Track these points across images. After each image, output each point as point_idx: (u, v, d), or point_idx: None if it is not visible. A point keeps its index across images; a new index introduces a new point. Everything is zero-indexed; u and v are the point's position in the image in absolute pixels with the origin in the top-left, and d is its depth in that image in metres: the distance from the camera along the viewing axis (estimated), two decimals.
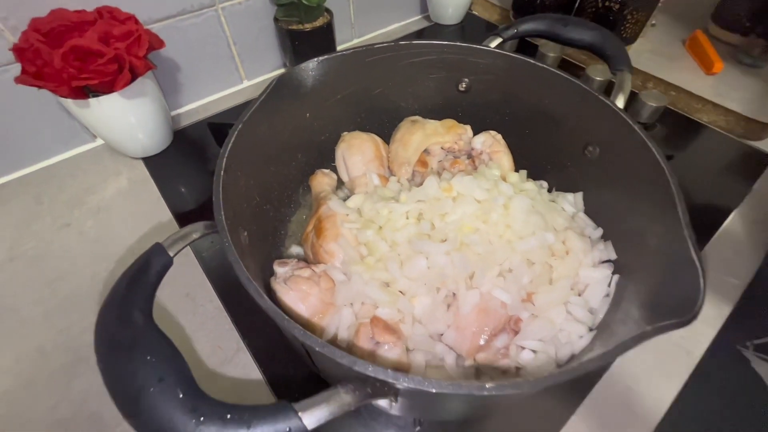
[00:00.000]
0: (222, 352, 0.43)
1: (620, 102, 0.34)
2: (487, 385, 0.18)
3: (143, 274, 0.21)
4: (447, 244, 0.33)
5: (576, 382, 0.38)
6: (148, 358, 0.18)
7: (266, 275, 0.36)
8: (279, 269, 0.34)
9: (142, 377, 0.17)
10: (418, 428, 0.33)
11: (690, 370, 0.42)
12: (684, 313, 0.20)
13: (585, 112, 0.36)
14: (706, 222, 0.51)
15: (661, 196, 0.28)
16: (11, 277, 0.48)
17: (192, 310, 0.46)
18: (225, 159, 0.28)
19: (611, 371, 0.40)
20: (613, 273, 0.33)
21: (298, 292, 0.31)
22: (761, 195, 0.56)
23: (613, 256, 0.34)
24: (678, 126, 0.66)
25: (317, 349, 0.19)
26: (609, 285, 0.33)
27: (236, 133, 0.30)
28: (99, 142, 0.63)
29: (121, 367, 0.18)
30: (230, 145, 0.29)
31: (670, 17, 0.89)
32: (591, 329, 0.32)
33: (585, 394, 0.38)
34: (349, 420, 0.36)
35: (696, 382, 0.41)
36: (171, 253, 0.23)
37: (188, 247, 0.49)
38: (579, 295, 0.33)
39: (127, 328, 0.19)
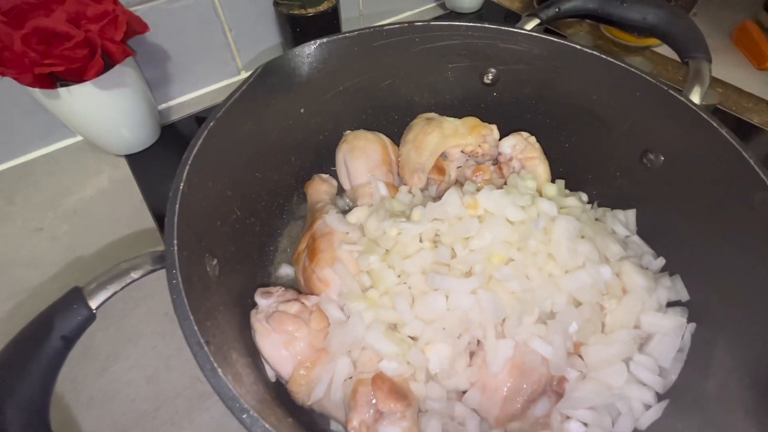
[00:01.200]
0: (201, 385, 0.37)
1: (696, 97, 0.27)
2: None
3: (38, 349, 0.15)
4: (473, 280, 0.26)
5: None
6: None
7: (247, 304, 0.30)
8: (261, 301, 0.28)
9: None
10: None
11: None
12: None
13: (646, 110, 0.29)
14: None
15: (758, 221, 0.21)
16: None
17: (170, 331, 0.40)
18: (188, 167, 0.22)
19: None
20: (689, 321, 0.26)
21: (281, 334, 0.25)
22: None
23: (685, 296, 0.27)
24: (729, 127, 0.58)
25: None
26: (683, 336, 0.25)
27: (206, 133, 0.24)
28: (80, 137, 0.57)
29: None
30: (196, 148, 0.23)
31: (715, 6, 0.81)
32: (660, 396, 0.25)
33: None
34: None
35: None
36: (93, 305, 0.17)
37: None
38: (640, 348, 0.26)
39: None
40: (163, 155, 0.55)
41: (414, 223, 0.29)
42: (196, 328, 0.16)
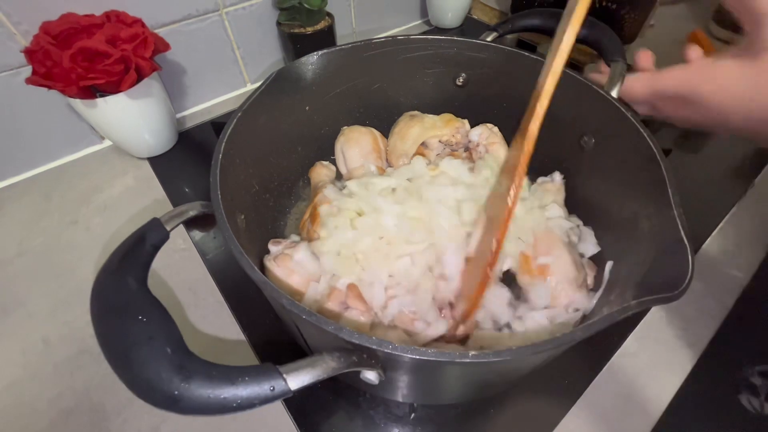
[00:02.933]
0: (222, 344, 0.43)
1: (614, 92, 0.34)
2: (470, 353, 0.18)
3: (140, 245, 0.22)
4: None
5: (574, 375, 0.38)
6: (140, 317, 0.19)
7: (263, 258, 0.37)
8: (272, 248, 0.35)
9: (133, 335, 0.18)
10: (413, 415, 0.33)
11: (693, 362, 0.41)
12: (673, 289, 0.20)
13: (581, 103, 0.37)
14: (707, 216, 0.50)
15: (653, 180, 0.28)
16: (20, 271, 0.49)
17: (194, 303, 0.46)
18: (224, 143, 0.29)
19: (611, 363, 0.40)
20: (609, 260, 0.33)
21: (283, 269, 0.32)
22: (763, 190, 0.56)
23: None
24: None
25: (303, 317, 0.20)
26: (604, 272, 0.33)
27: (236, 120, 0.31)
28: (107, 143, 0.64)
29: (113, 327, 0.18)
30: (229, 131, 0.30)
31: (669, 17, 0.89)
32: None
33: (584, 387, 0.38)
34: (349, 411, 0.36)
35: (699, 375, 0.41)
36: (168, 228, 0.24)
37: (191, 242, 0.51)
38: None
39: (122, 292, 0.20)
40: (180, 158, 0.62)
41: (387, 177, 0.38)
42: (237, 244, 0.23)
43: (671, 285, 0.20)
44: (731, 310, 0.44)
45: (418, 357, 0.18)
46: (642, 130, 0.30)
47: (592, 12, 0.43)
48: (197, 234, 0.51)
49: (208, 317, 0.45)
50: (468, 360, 0.18)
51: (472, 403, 0.35)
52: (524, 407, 0.36)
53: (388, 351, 0.19)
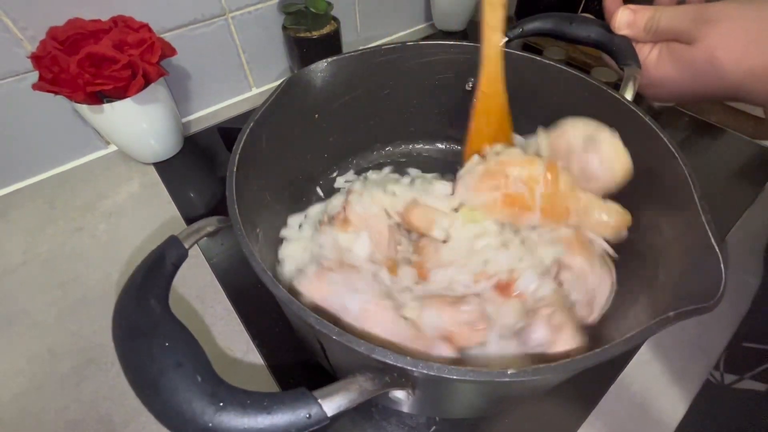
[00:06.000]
0: (231, 352, 0.43)
1: (629, 95, 0.34)
2: (509, 371, 0.18)
3: (159, 265, 0.21)
4: None
5: (589, 384, 0.38)
6: (167, 344, 0.18)
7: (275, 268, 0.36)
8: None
9: (160, 362, 0.17)
10: (433, 428, 0.33)
11: (708, 371, 0.41)
12: (707, 299, 0.19)
13: (594, 107, 0.36)
14: (718, 222, 0.50)
15: (675, 185, 0.28)
16: (25, 279, 0.49)
17: (202, 311, 0.46)
18: (238, 155, 0.28)
19: (625, 373, 0.39)
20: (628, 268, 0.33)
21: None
22: None
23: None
24: (687, 127, 0.65)
25: (334, 337, 0.19)
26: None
27: (248, 131, 0.30)
28: (112, 148, 0.64)
29: (138, 353, 0.17)
30: (243, 142, 0.29)
31: None
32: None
33: (598, 398, 0.38)
34: (360, 422, 0.36)
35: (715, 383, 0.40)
36: (186, 245, 0.23)
37: (198, 249, 0.50)
38: None
39: (145, 315, 0.19)
40: (186, 163, 0.62)
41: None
42: (259, 260, 0.22)
43: (705, 295, 0.20)
44: (745, 315, 0.44)
45: (461, 378, 0.18)
46: (660, 133, 0.30)
47: (596, 14, 0.42)
48: (204, 240, 0.51)
49: (216, 325, 0.44)
50: (507, 379, 0.18)
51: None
52: (539, 417, 0.36)
53: (426, 372, 0.18)
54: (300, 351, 0.41)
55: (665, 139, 0.29)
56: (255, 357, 0.42)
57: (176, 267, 0.22)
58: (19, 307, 0.46)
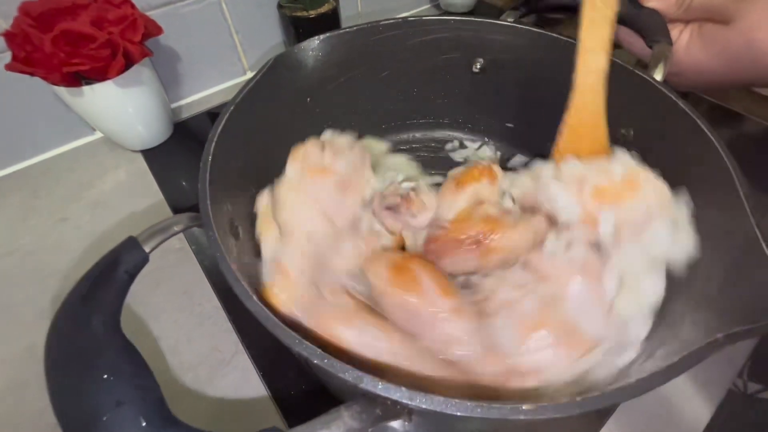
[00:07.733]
0: (219, 354, 0.40)
1: (659, 76, 0.30)
2: (523, 407, 0.15)
3: (110, 275, 0.18)
4: None
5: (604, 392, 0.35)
6: (105, 377, 0.15)
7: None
8: None
9: (96, 401, 0.14)
10: None
11: (731, 379, 0.38)
12: (763, 317, 0.16)
13: (617, 90, 0.32)
14: None
15: (714, 180, 0.24)
16: (5, 273, 0.46)
17: (189, 308, 0.43)
18: (213, 144, 0.25)
19: None
20: None
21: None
22: None
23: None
24: (708, 114, 0.60)
25: (315, 361, 0.16)
26: None
27: (227, 116, 0.27)
28: (98, 135, 0.61)
29: (71, 389, 0.14)
30: (220, 129, 0.26)
31: None
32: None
33: (614, 406, 0.35)
34: None
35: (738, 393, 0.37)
36: (147, 249, 0.20)
37: (185, 242, 0.47)
38: None
39: (85, 338, 0.16)
40: (176, 150, 0.59)
41: None
42: (231, 266, 0.19)
43: (759, 311, 0.16)
44: None
45: (467, 415, 0.15)
46: (697, 120, 0.26)
47: None
48: (194, 230, 0.48)
49: (204, 324, 0.42)
50: (522, 417, 0.15)
51: None
52: (554, 424, 0.33)
53: (426, 407, 0.15)
54: (292, 354, 0.38)
55: (703, 126, 0.25)
56: (243, 359, 0.39)
57: (132, 276, 0.19)
58: None
